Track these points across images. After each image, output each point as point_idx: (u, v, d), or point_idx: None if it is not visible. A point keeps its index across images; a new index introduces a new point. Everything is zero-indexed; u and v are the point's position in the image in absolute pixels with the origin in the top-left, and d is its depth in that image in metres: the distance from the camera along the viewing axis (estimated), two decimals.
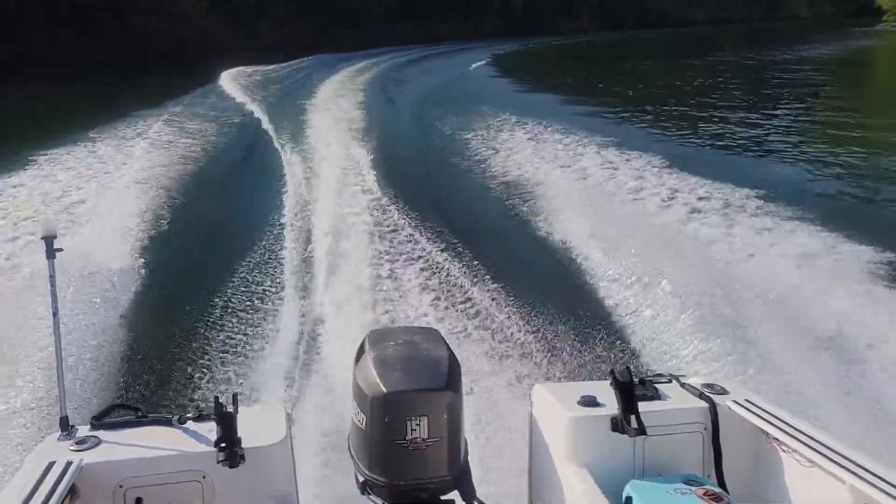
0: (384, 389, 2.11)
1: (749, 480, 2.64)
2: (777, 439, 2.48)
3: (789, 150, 15.43)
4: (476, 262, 7.54)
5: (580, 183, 10.93)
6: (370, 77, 31.91)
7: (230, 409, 2.28)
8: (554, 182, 10.94)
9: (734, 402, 2.66)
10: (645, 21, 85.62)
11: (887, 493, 2.01)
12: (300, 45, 50.36)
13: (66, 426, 2.45)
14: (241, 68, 35.65)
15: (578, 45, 63.78)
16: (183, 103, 22.79)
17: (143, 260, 7.77)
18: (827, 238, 7.80)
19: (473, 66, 40.03)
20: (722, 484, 2.56)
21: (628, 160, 12.31)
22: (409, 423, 2.11)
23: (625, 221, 8.72)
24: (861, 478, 2.11)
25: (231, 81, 30.75)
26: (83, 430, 2.46)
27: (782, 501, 2.50)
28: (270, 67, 37.05)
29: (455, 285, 7.01)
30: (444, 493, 2.24)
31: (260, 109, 21.87)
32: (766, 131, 17.88)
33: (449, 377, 2.20)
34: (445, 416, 2.15)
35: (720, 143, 16.52)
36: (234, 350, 5.74)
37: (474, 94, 25.99)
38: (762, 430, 2.54)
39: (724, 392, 2.74)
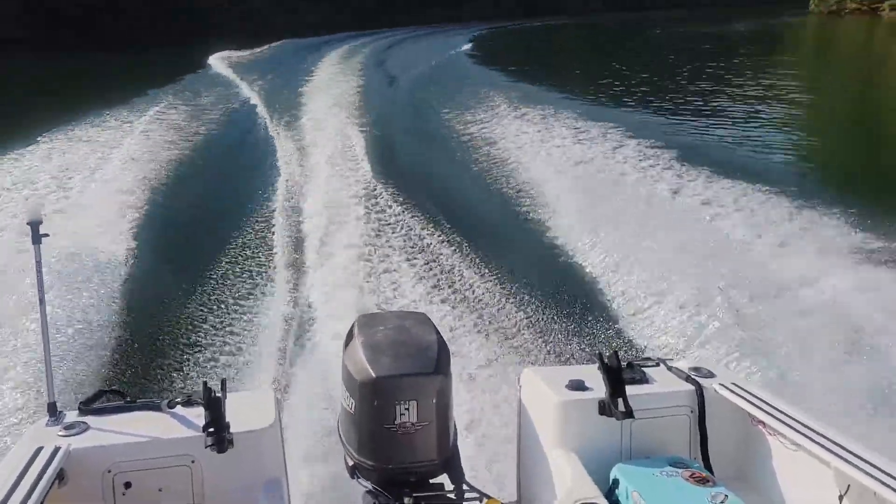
0: (373, 374, 2.13)
1: (735, 463, 2.67)
2: (763, 422, 2.51)
3: (758, 125, 15.60)
4: (467, 248, 7.56)
5: (567, 167, 10.90)
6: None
7: (218, 394, 2.27)
8: (540, 167, 10.95)
9: (721, 385, 2.68)
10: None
11: (872, 476, 2.04)
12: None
13: (53, 412, 2.44)
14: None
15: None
16: (178, 85, 22.74)
17: (131, 245, 7.72)
18: (813, 217, 7.85)
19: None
20: (708, 466, 2.59)
21: (610, 141, 12.34)
22: (398, 407, 2.13)
23: (611, 205, 8.70)
24: (846, 461, 2.13)
25: (223, 63, 30.56)
26: (71, 416, 2.45)
27: (768, 484, 2.53)
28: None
29: (445, 270, 7.02)
30: (433, 477, 2.26)
31: (256, 92, 21.74)
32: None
33: (438, 361, 2.21)
34: (434, 401, 2.17)
35: (677, 110, 16.66)
36: (223, 335, 5.73)
37: (465, 77, 25.99)
38: (748, 413, 2.56)
39: (710, 375, 2.76)
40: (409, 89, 22.69)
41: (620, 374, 2.57)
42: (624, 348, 5.21)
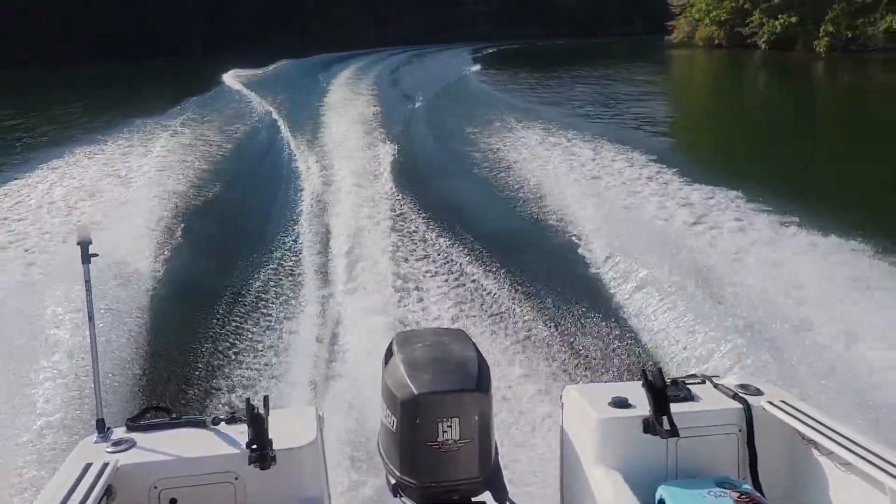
0: (415, 391, 2.11)
1: (785, 483, 2.59)
2: (814, 441, 2.43)
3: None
4: (497, 264, 7.52)
5: (598, 185, 10.87)
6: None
7: (261, 411, 2.30)
8: (571, 184, 10.90)
9: (769, 402, 2.61)
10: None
11: None
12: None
13: (102, 428, 2.50)
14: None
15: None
16: (198, 103, 23.26)
17: (169, 264, 7.87)
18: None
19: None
20: (757, 486, 2.52)
21: (642, 164, 12.20)
22: (440, 424, 2.11)
23: (644, 225, 8.64)
24: (893, 476, 2.05)
25: (236, 79, 31.31)
26: (119, 432, 2.51)
27: (816, 502, 2.45)
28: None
29: (478, 286, 7.00)
30: (476, 495, 2.23)
31: (279, 107, 22.14)
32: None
33: (479, 378, 2.19)
34: (476, 418, 2.14)
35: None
36: (264, 352, 5.79)
37: (486, 94, 26.23)
38: (798, 431, 2.49)
39: (758, 393, 2.69)
40: (428, 106, 22.86)
41: (665, 391, 2.52)
42: (667, 365, 5.10)
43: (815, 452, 2.46)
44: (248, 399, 2.36)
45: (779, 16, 46.18)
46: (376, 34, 69.96)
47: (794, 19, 45.47)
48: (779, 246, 7.73)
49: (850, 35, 42.36)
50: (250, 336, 6.14)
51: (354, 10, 79.34)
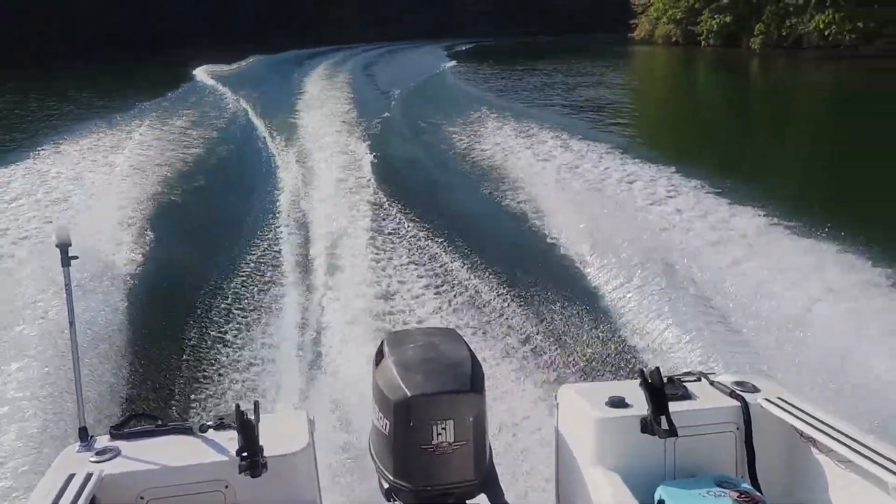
0: (408, 393, 2.07)
1: (784, 481, 2.57)
2: (812, 438, 2.41)
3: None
4: (484, 262, 7.47)
5: (575, 180, 10.90)
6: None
7: (251, 416, 2.23)
8: (548, 178, 10.97)
9: (766, 400, 2.58)
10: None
11: None
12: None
13: (85, 437, 2.41)
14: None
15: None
16: (170, 99, 23.08)
17: (148, 265, 7.72)
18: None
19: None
20: (756, 485, 2.49)
21: (616, 158, 12.34)
22: (434, 426, 2.07)
23: (629, 221, 8.65)
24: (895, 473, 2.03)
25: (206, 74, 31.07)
26: (103, 441, 2.42)
27: (816, 500, 2.43)
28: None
29: (466, 285, 6.95)
30: (471, 497, 2.19)
31: (253, 103, 21.98)
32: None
33: (473, 379, 2.15)
34: (471, 419, 2.11)
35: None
36: (251, 355, 5.70)
37: (462, 90, 26.48)
38: (796, 428, 2.46)
39: (755, 390, 2.67)
40: (405, 103, 22.79)
41: (663, 391, 2.49)
42: (662, 362, 5.08)
43: (814, 450, 2.44)
44: (237, 405, 2.29)
45: (715, 16, 50.44)
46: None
47: (728, 19, 49.78)
48: (763, 239, 7.77)
49: (783, 34, 45.72)
50: (235, 339, 6.04)
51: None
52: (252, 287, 7.24)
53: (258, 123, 18.65)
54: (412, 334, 2.39)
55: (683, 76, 39.89)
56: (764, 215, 8.49)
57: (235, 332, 6.20)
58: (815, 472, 2.44)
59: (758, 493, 2.32)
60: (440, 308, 6.44)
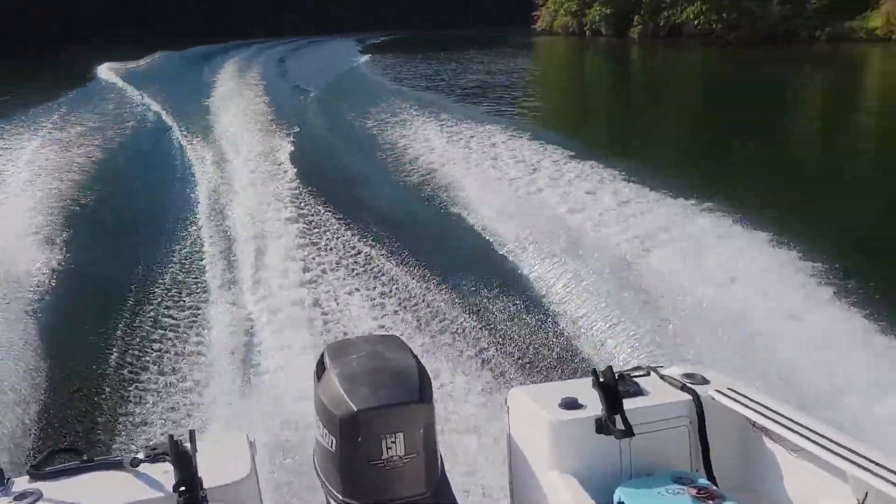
0: (354, 407, 2.00)
1: (738, 472, 2.59)
2: (764, 428, 2.43)
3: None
4: (422, 263, 7.32)
5: (509, 174, 10.96)
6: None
7: (187, 445, 2.09)
8: (478, 174, 10.99)
9: (717, 391, 2.60)
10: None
11: (881, 478, 1.96)
12: None
13: (0, 479, 2.19)
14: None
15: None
16: (74, 98, 22.09)
17: (57, 280, 7.22)
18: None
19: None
20: (711, 478, 2.50)
21: (540, 154, 12.44)
22: (384, 441, 2.01)
23: (562, 216, 8.71)
24: (862, 467, 2.06)
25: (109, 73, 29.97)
26: (21, 483, 2.21)
27: (773, 491, 2.45)
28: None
29: (404, 288, 6.79)
30: None
31: (163, 102, 21.24)
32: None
33: (421, 388, 2.10)
34: (421, 431, 2.06)
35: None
36: (183, 376, 5.34)
37: (380, 84, 26.66)
38: (748, 419, 2.48)
39: (705, 382, 2.68)
40: (320, 98, 22.63)
41: (617, 390, 2.47)
42: (611, 358, 5.10)
43: (766, 439, 2.46)
44: (170, 436, 2.13)
45: (594, 7, 56.32)
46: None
47: (608, 11, 55.41)
48: (692, 230, 7.96)
49: (661, 24, 51.68)
50: (162, 359, 5.64)
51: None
52: (175, 301, 6.83)
53: (169, 120, 18.03)
54: (354, 344, 2.32)
55: (570, 64, 43.39)
56: (687, 205, 8.76)
57: (161, 350, 5.81)
58: (768, 462, 2.46)
59: (715, 488, 2.32)
60: (380, 313, 6.27)
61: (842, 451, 2.12)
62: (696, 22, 48.19)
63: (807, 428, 2.28)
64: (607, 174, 10.43)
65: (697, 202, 8.76)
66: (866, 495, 2.02)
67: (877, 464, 2.02)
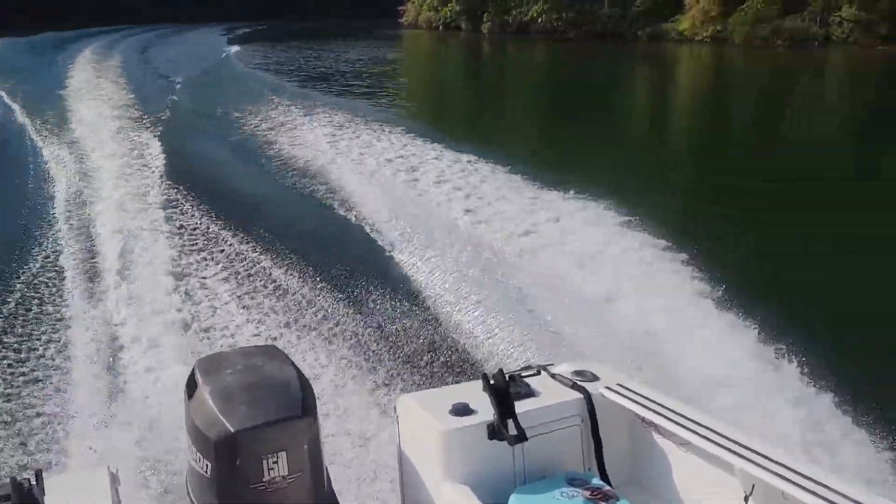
0: (231, 428, 1.87)
1: (629, 468, 2.61)
2: (653, 423, 2.46)
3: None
4: (300, 264, 6.96)
5: (386, 170, 10.85)
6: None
7: (33, 483, 1.90)
8: (358, 170, 10.84)
9: (607, 388, 2.61)
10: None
11: (768, 470, 2.01)
12: None
13: None
14: None
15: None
16: None
17: None
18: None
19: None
20: (604, 476, 2.50)
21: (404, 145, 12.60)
22: (265, 461, 1.89)
23: (442, 213, 8.72)
24: (740, 455, 2.11)
25: None
26: None
27: (662, 486, 2.49)
28: None
29: (281, 292, 6.39)
30: None
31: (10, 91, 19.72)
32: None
33: (304, 401, 2.00)
34: (305, 447, 1.96)
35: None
36: (30, 402, 4.68)
37: (251, 75, 26.55)
38: (638, 414, 2.50)
39: (595, 378, 2.68)
40: (188, 91, 21.69)
41: (508, 394, 2.43)
42: (498, 357, 5.07)
43: (656, 434, 2.49)
44: (13, 477, 1.88)
45: (449, 4, 61.99)
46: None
47: (458, 8, 61.12)
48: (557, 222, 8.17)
49: (509, 20, 57.11)
50: (9, 384, 4.91)
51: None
52: (24, 314, 6.09)
53: (18, 112, 16.59)
54: (228, 357, 2.17)
55: (434, 58, 46.04)
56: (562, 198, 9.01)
57: (9, 375, 5.06)
58: (658, 457, 2.49)
59: (609, 488, 2.32)
60: (255, 320, 5.84)
61: (729, 444, 2.16)
62: (539, 20, 53.83)
63: (694, 422, 2.32)
64: (487, 168, 10.60)
65: (566, 194, 9.02)
66: (753, 487, 2.07)
67: (763, 456, 2.07)
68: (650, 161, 14.06)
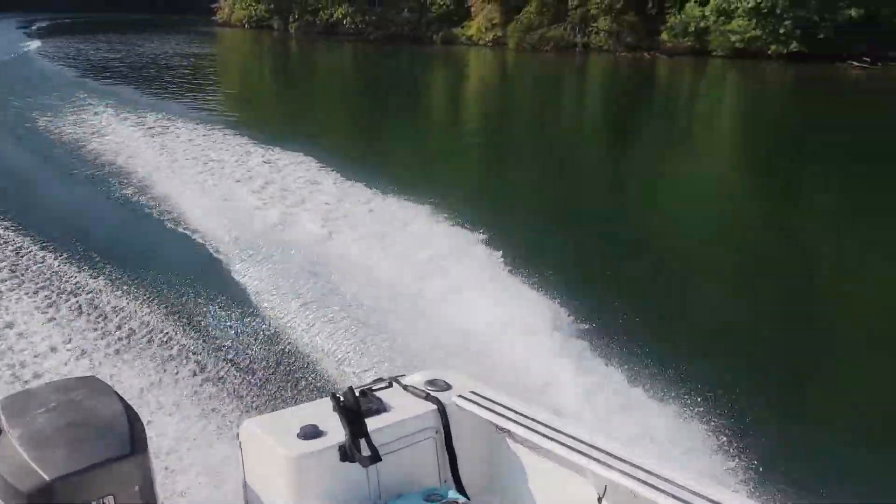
0: (46, 477, 1.66)
1: (486, 478, 2.61)
2: (507, 430, 2.47)
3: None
4: (119, 277, 6.34)
5: (210, 176, 10.43)
6: None
7: None
8: (176, 171, 10.44)
9: (460, 396, 2.59)
10: None
11: (618, 471, 2.08)
12: None
13: None
14: None
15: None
16: None
17: None
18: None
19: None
20: (461, 488, 2.48)
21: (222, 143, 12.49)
22: None
23: (273, 223, 8.39)
24: (591, 458, 2.16)
25: None
26: None
27: (518, 492, 2.51)
28: None
29: (99, 310, 5.72)
30: None
31: None
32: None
33: (133, 437, 1.82)
34: (137, 488, 1.80)
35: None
36: None
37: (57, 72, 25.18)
38: (492, 422, 2.50)
39: (448, 387, 2.66)
40: None
41: (360, 412, 2.33)
42: (345, 369, 4.87)
43: (510, 441, 2.51)
44: None
45: (261, 3, 63.82)
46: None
47: (269, 7, 63.16)
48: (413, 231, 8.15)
49: (316, 21, 59.72)
50: None
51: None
52: None
53: None
54: (38, 394, 1.94)
55: (249, 55, 47.36)
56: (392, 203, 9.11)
57: None
58: (513, 463, 2.51)
59: (465, 500, 2.29)
60: (72, 347, 5.13)
61: (581, 446, 2.21)
62: (345, 22, 57.24)
63: (547, 426, 2.36)
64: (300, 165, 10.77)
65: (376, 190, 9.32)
66: (605, 488, 2.13)
67: (614, 457, 2.14)
68: (447, 152, 15.22)
